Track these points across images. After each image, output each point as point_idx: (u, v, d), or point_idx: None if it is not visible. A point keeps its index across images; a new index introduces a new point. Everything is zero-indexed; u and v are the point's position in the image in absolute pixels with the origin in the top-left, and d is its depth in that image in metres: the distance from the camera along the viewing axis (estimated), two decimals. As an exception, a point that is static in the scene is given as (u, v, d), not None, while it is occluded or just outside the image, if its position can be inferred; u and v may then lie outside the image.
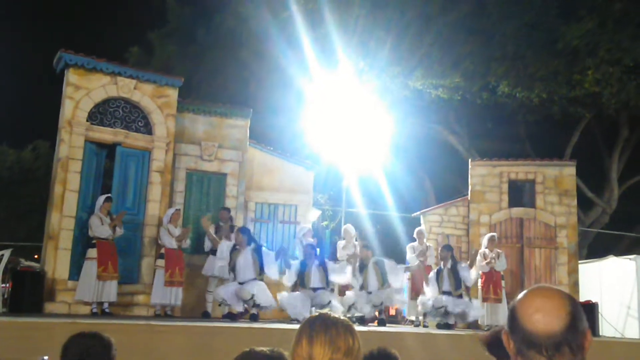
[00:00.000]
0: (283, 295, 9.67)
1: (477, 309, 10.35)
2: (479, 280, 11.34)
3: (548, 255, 12.83)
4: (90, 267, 9.10)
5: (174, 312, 9.89)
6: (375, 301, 9.99)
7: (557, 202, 13.04)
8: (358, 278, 10.18)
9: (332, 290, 10.49)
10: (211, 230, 10.24)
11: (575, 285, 12.48)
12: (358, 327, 8.34)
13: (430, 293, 10.41)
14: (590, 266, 14.60)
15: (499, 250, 11.28)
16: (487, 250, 11.21)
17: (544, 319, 1.53)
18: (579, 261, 13.45)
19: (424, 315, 10.65)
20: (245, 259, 9.36)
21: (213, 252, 10.20)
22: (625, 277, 13.41)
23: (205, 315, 9.95)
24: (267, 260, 9.48)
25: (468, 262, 10.80)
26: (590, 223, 18.78)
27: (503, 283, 11.23)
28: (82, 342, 2.52)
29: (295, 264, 9.91)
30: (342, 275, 10.06)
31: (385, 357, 2.99)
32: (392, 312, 17.23)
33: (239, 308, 9.24)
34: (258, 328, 7.59)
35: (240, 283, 9.28)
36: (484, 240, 11.43)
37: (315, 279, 9.67)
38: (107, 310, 9.18)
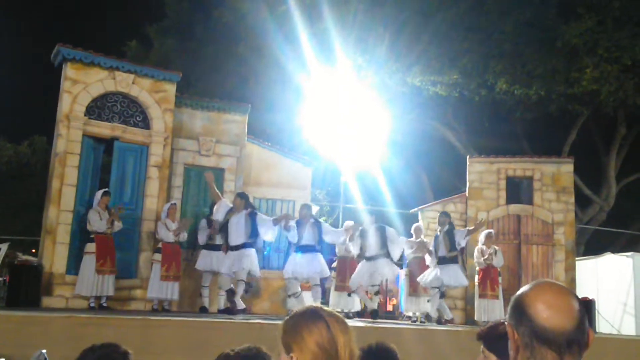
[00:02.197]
0: (286, 266, 9.68)
1: (464, 278, 10.38)
2: (476, 277, 11.36)
3: (545, 252, 12.86)
4: (88, 262, 9.12)
5: (171, 307, 9.90)
6: (374, 280, 9.96)
7: (555, 199, 13.06)
8: (356, 241, 10.14)
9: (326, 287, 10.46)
10: (204, 223, 10.26)
11: (572, 282, 12.51)
12: (355, 323, 8.35)
13: (431, 263, 10.48)
14: (587, 263, 14.64)
15: (496, 247, 11.30)
16: (484, 247, 11.23)
17: (558, 317, 1.53)
18: (576, 258, 13.48)
19: (427, 316, 10.68)
20: (238, 220, 9.25)
21: (207, 246, 10.21)
22: (622, 274, 13.46)
23: (203, 310, 9.96)
24: (263, 225, 9.36)
25: (466, 230, 10.83)
26: (588, 220, 18.82)
27: (500, 279, 11.25)
28: (97, 354, 2.46)
29: (293, 224, 9.78)
30: (336, 236, 9.97)
31: (383, 351, 3.00)
32: (390, 307, 17.27)
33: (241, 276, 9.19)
34: (255, 323, 7.60)
35: (231, 247, 9.24)
36: (482, 237, 11.44)
37: (308, 236, 9.52)
38: (104, 304, 9.20)
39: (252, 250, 9.30)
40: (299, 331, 1.80)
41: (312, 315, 1.83)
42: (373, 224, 10.28)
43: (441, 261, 10.28)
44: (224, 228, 9.38)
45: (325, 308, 1.89)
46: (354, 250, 10.28)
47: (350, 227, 10.32)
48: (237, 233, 9.23)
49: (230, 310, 9.23)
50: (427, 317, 10.75)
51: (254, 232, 9.25)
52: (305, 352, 1.77)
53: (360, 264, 10.19)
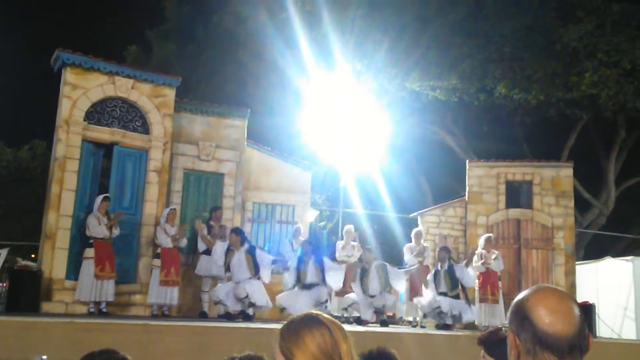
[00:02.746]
0: (282, 296, 9.70)
1: (471, 312, 10.36)
2: (476, 281, 11.35)
3: (545, 257, 12.85)
4: (87, 267, 9.10)
5: (170, 312, 9.89)
6: (377, 305, 10.02)
7: (554, 203, 13.06)
8: (358, 282, 10.20)
9: (330, 293, 10.49)
10: (204, 231, 10.27)
11: (572, 286, 12.50)
12: (355, 328, 8.34)
13: (428, 295, 10.44)
14: (587, 267, 14.63)
15: (495, 252, 11.29)
16: (484, 251, 11.22)
17: (561, 322, 1.53)
18: (576, 262, 13.48)
19: (424, 315, 10.65)
20: (239, 259, 9.34)
21: (206, 252, 10.21)
22: (622, 278, 13.44)
23: (202, 315, 9.95)
24: (261, 262, 9.47)
25: (465, 262, 10.81)
26: (587, 224, 18.81)
27: (500, 284, 11.24)
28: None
29: (292, 264, 9.92)
30: (336, 278, 10.01)
31: (384, 356, 2.99)
32: (390, 312, 17.24)
33: (235, 308, 9.23)
34: (255, 328, 7.59)
35: (237, 283, 9.28)
36: (481, 241, 11.43)
37: (311, 275, 9.66)
38: (104, 309, 9.18)
39: (258, 282, 9.36)
40: (301, 336, 1.76)
41: (312, 321, 1.80)
42: (373, 263, 10.32)
43: (443, 296, 10.27)
44: (226, 268, 9.46)
45: (324, 314, 1.86)
46: (356, 292, 10.28)
47: (352, 265, 10.44)
48: (241, 271, 9.31)
49: (230, 316, 9.22)
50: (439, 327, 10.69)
51: (257, 267, 9.37)
52: (307, 357, 1.73)
53: (363, 298, 10.18)
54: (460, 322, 10.54)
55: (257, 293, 9.21)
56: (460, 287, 10.33)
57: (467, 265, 10.60)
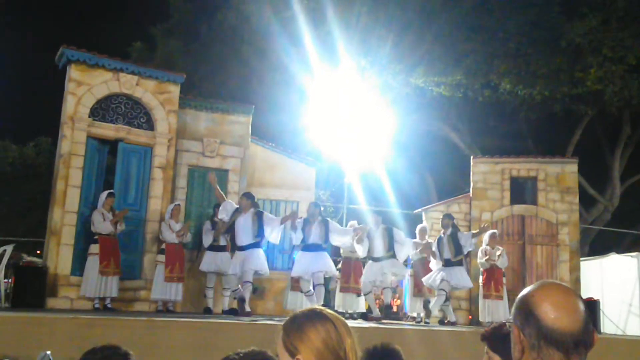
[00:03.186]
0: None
1: (467, 280, 10.43)
2: (480, 277, 11.34)
3: (550, 253, 12.83)
4: (92, 263, 9.14)
5: (175, 308, 9.91)
6: (385, 269, 9.96)
7: (559, 199, 13.04)
8: (364, 244, 10.09)
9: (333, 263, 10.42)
10: (208, 225, 10.29)
11: (576, 282, 12.48)
12: (360, 324, 8.35)
13: (435, 265, 10.50)
14: (591, 263, 14.61)
15: (500, 248, 11.28)
16: (488, 247, 11.21)
17: (566, 318, 1.53)
18: (581, 258, 13.45)
19: (428, 313, 10.64)
20: (245, 220, 9.20)
21: (211, 247, 10.23)
22: (627, 274, 13.42)
23: (207, 311, 9.97)
24: (269, 224, 9.31)
25: (474, 232, 10.83)
26: (592, 220, 18.77)
27: (504, 280, 11.23)
28: (99, 356, 2.44)
29: (299, 222, 9.70)
30: (343, 237, 9.83)
31: (388, 352, 3.00)
32: (394, 308, 17.25)
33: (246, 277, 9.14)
34: (260, 324, 7.60)
35: (239, 248, 9.22)
36: (486, 237, 11.41)
37: (314, 236, 9.43)
38: (109, 305, 9.21)
39: (260, 250, 9.26)
40: (305, 331, 1.75)
41: (317, 316, 1.79)
42: (380, 225, 10.28)
43: (447, 264, 10.31)
44: (229, 229, 9.37)
45: (328, 310, 1.85)
46: (361, 252, 10.25)
47: (359, 228, 10.25)
48: (244, 233, 9.17)
49: (235, 312, 9.24)
50: (427, 314, 10.65)
51: (260, 232, 9.21)
52: (312, 353, 1.72)
53: (367, 265, 10.20)
54: (460, 288, 10.74)
55: (263, 264, 9.16)
56: (463, 254, 10.37)
57: (474, 236, 10.58)
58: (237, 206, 9.42)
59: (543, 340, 1.53)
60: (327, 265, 9.44)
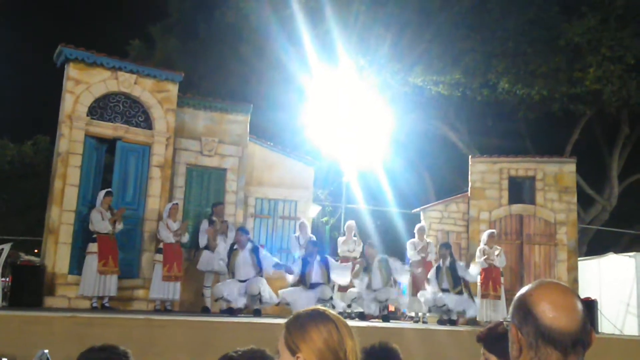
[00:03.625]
0: (285, 291, 9.73)
1: (474, 307, 10.38)
2: (478, 277, 11.35)
3: (547, 252, 12.84)
4: (91, 262, 9.13)
5: (173, 307, 9.91)
6: (380, 298, 10.04)
7: (557, 199, 13.04)
8: (363, 279, 10.22)
9: (333, 287, 10.51)
10: (205, 224, 10.33)
11: (574, 282, 12.49)
12: (358, 323, 8.36)
13: (430, 291, 10.45)
14: (589, 263, 14.62)
15: (498, 247, 11.29)
16: (486, 247, 11.22)
17: (565, 317, 1.52)
18: (579, 258, 13.45)
19: (429, 310, 10.64)
20: (244, 258, 9.54)
21: (208, 247, 10.25)
22: (625, 274, 13.43)
23: (205, 310, 9.97)
24: (264, 262, 9.70)
25: (464, 264, 10.90)
26: (590, 220, 18.78)
27: (502, 280, 11.24)
28: (96, 356, 2.43)
29: (297, 264, 10.01)
30: (343, 275, 10.10)
31: (386, 351, 3.01)
32: (392, 308, 17.21)
33: (239, 304, 9.30)
34: (258, 323, 7.60)
35: (241, 281, 9.35)
36: (484, 237, 11.43)
37: (316, 275, 9.72)
38: (107, 304, 9.20)
39: (264, 280, 9.61)
40: (308, 330, 1.77)
41: (320, 316, 1.82)
42: (376, 257, 10.36)
43: (446, 292, 10.30)
44: (230, 267, 9.61)
45: (331, 311, 1.87)
46: (359, 288, 10.30)
47: (357, 263, 10.43)
48: (246, 270, 9.53)
49: (232, 311, 9.25)
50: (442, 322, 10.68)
51: (260, 266, 9.61)
52: (313, 353, 1.74)
53: (366, 292, 10.23)
54: (464, 317, 10.58)
55: (267, 290, 9.45)
56: (462, 283, 10.34)
57: (467, 266, 10.66)
58: (231, 243, 9.78)
59: (541, 339, 1.53)
60: (329, 292, 9.77)
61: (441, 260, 10.51)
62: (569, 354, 1.52)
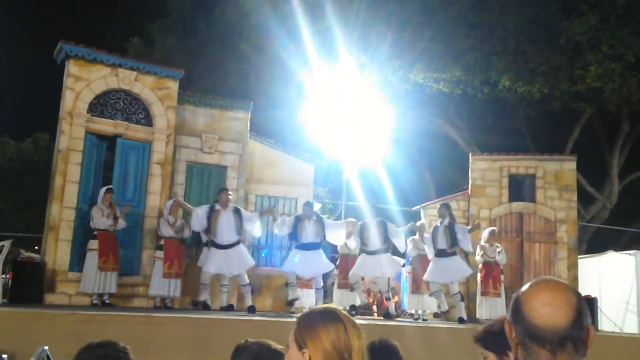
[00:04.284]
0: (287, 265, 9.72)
1: (468, 270, 10.33)
2: (479, 274, 11.35)
3: (548, 250, 12.85)
4: (91, 259, 9.13)
5: (173, 304, 9.91)
6: (375, 288, 10.02)
7: (557, 196, 13.04)
8: (355, 237, 10.14)
9: (333, 283, 10.48)
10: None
11: (574, 280, 12.50)
12: (358, 320, 8.39)
13: (429, 253, 10.40)
14: (589, 261, 14.62)
15: (498, 245, 11.29)
16: (486, 245, 11.22)
17: (551, 314, 1.52)
18: (579, 256, 13.46)
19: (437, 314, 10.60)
20: (227, 219, 9.41)
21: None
22: (625, 272, 13.44)
23: (205, 307, 9.96)
24: (249, 220, 9.62)
25: (469, 227, 10.81)
26: (590, 218, 18.78)
27: (502, 277, 11.24)
28: (95, 352, 2.42)
29: (290, 217, 9.90)
30: (337, 234, 9.97)
31: (386, 348, 3.02)
32: (396, 299, 17.25)
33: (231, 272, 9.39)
34: (257, 320, 7.61)
35: (223, 246, 9.36)
36: (485, 235, 11.43)
37: (310, 233, 9.56)
38: (107, 301, 9.21)
39: (243, 247, 9.64)
40: (316, 329, 1.82)
41: (330, 316, 1.87)
42: (375, 218, 10.28)
43: (441, 254, 10.16)
44: (209, 229, 9.50)
45: (343, 311, 1.92)
46: (353, 245, 10.27)
47: (350, 224, 10.34)
48: (229, 231, 9.45)
49: (232, 307, 9.26)
50: (437, 315, 10.65)
51: (241, 228, 9.55)
52: (319, 351, 1.80)
53: (360, 257, 10.18)
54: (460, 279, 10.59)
55: (250, 260, 9.54)
56: (458, 246, 10.21)
57: (470, 231, 10.55)
58: (209, 206, 9.64)
59: (528, 337, 1.53)
60: (325, 266, 9.59)
61: (440, 220, 10.40)
62: (556, 351, 1.51)
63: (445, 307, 10.44)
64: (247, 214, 9.74)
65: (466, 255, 10.53)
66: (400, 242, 10.34)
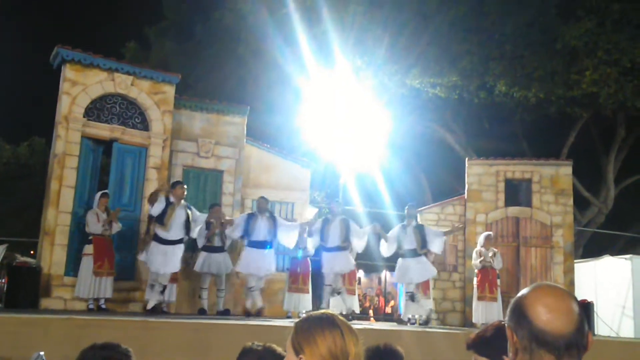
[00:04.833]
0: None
1: (433, 272, 10.27)
2: (475, 279, 11.35)
3: (544, 255, 12.86)
4: (87, 263, 9.10)
5: (169, 309, 9.88)
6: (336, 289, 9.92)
7: (553, 201, 13.06)
8: (318, 233, 9.98)
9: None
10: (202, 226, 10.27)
11: (570, 284, 12.51)
12: (356, 325, 8.36)
13: (387, 251, 10.26)
14: (585, 265, 14.64)
15: (494, 249, 11.30)
16: (482, 249, 11.23)
17: (558, 320, 1.52)
18: (575, 260, 13.48)
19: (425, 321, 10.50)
20: (263, 222, 9.56)
21: (205, 248, 10.17)
22: (621, 276, 13.46)
23: (202, 312, 9.95)
24: (284, 228, 9.78)
25: (445, 230, 10.75)
26: (586, 222, 18.82)
27: (499, 282, 11.25)
28: (98, 354, 2.42)
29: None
30: (290, 234, 9.91)
31: (390, 353, 3.02)
32: (389, 309, 17.23)
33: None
34: (254, 325, 7.59)
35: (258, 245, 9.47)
36: (481, 239, 11.44)
37: (263, 232, 9.58)
38: (103, 306, 9.17)
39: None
40: (313, 334, 1.82)
41: (328, 322, 1.86)
42: (338, 215, 10.12)
43: (409, 254, 10.01)
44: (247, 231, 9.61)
45: (340, 317, 1.91)
46: (313, 244, 10.11)
47: (305, 223, 10.43)
48: (266, 234, 9.68)
49: (228, 312, 9.24)
50: (425, 321, 10.58)
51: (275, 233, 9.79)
52: (315, 356, 1.79)
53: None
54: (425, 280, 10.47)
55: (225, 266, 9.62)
56: (427, 248, 10.09)
57: (445, 234, 10.44)
58: (251, 213, 9.74)
59: (534, 342, 1.53)
60: (269, 265, 9.64)
61: (407, 220, 10.23)
62: (562, 356, 1.52)
63: (423, 312, 10.34)
64: (196, 215, 9.63)
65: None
66: (360, 244, 10.18)
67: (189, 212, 9.32)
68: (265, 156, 12.56)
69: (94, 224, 9.21)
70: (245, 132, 11.94)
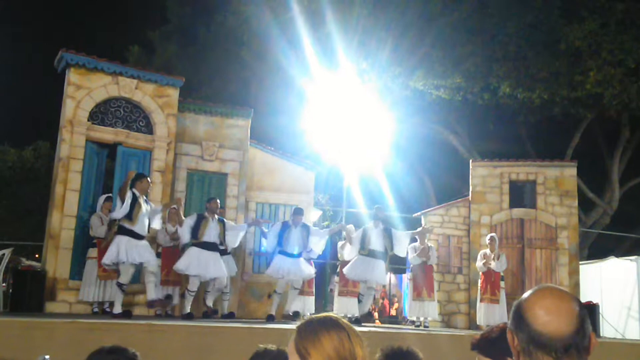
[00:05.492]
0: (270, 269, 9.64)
1: (383, 279, 10.25)
2: (479, 281, 11.33)
3: (549, 256, 12.83)
4: (91, 267, 9.12)
5: (173, 312, 9.89)
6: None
7: (558, 202, 13.04)
8: (356, 241, 10.04)
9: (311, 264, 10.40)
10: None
11: (576, 286, 12.48)
12: (359, 328, 8.35)
13: (349, 254, 10.21)
14: (591, 267, 14.60)
15: (499, 252, 11.28)
16: (487, 251, 11.22)
17: (556, 321, 1.52)
18: (580, 262, 13.44)
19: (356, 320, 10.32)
20: (215, 228, 9.24)
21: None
22: (626, 278, 13.41)
23: (205, 315, 9.95)
24: (232, 231, 9.52)
25: (413, 232, 10.71)
26: (591, 224, 18.76)
27: (502, 284, 11.22)
28: (106, 358, 2.42)
29: (276, 226, 9.81)
30: (319, 242, 9.92)
31: (409, 356, 3.00)
32: (393, 312, 17.21)
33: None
34: (258, 328, 7.59)
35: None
36: (486, 241, 11.43)
37: (294, 241, 9.51)
38: (107, 309, 9.19)
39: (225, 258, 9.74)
40: (319, 337, 1.77)
41: (332, 323, 1.82)
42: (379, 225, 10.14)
43: (371, 254, 9.93)
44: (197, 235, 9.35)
45: (343, 319, 1.87)
46: (351, 251, 10.10)
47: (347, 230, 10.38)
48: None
49: (233, 315, 9.23)
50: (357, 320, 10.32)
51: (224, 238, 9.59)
52: (322, 358, 1.74)
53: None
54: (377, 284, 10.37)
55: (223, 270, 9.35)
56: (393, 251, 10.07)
57: (412, 236, 10.44)
58: (196, 214, 9.46)
59: (532, 344, 1.53)
60: (306, 270, 9.63)
61: (374, 222, 10.14)
62: (560, 358, 1.51)
63: (364, 311, 10.24)
64: (230, 225, 9.66)
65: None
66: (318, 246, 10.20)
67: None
68: (270, 159, 12.58)
69: (100, 228, 9.24)
70: (249, 134, 11.95)
